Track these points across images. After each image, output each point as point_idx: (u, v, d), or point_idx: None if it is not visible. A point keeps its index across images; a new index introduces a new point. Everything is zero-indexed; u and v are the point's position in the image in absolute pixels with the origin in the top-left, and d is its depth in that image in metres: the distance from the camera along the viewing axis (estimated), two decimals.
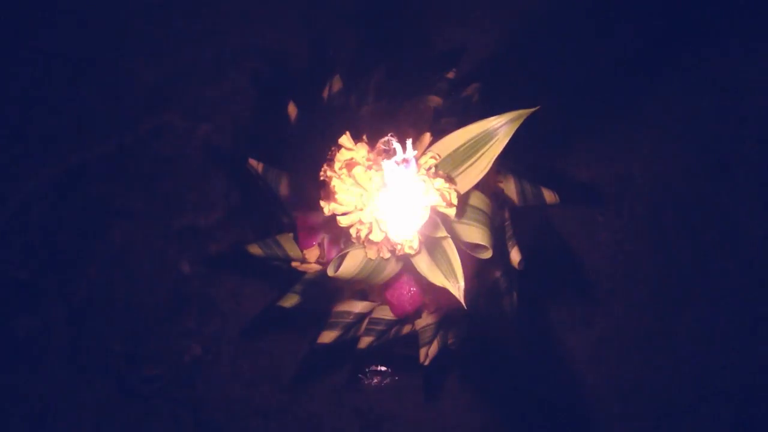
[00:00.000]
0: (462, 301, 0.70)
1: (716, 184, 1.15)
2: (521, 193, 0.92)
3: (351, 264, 0.79)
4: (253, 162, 0.91)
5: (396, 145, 0.63)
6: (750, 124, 1.16)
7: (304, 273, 0.91)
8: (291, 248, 0.92)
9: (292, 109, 0.95)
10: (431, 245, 0.77)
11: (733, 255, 1.13)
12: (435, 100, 0.93)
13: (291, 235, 0.93)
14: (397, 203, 0.70)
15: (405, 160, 0.64)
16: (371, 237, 0.77)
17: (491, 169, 0.95)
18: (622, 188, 1.16)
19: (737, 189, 1.15)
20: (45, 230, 1.15)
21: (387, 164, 0.64)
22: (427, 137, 0.81)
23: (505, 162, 0.95)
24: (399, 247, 0.77)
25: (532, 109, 0.70)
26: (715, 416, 1.10)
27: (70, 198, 1.16)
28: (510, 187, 0.93)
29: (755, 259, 1.12)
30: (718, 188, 1.15)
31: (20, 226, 1.15)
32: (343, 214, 0.78)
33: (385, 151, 0.66)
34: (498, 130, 0.72)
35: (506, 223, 0.88)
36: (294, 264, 0.92)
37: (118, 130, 1.18)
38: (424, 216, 0.74)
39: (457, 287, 0.70)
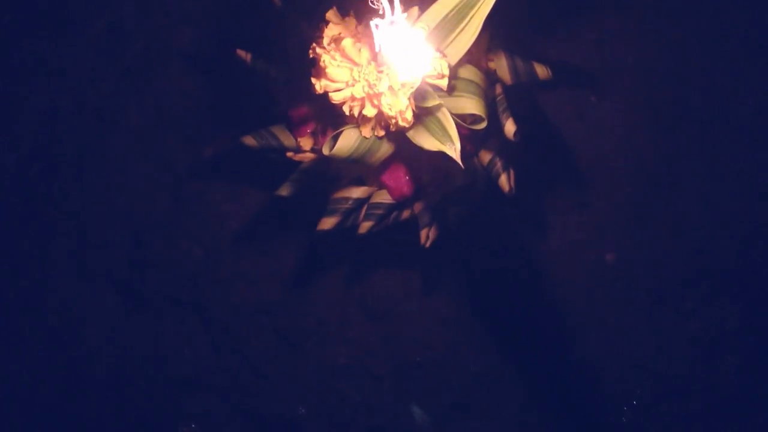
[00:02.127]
0: (459, 161, 0.70)
1: (708, 60, 1.14)
2: (513, 70, 0.91)
3: (346, 143, 0.78)
4: (241, 53, 0.89)
5: (385, 3, 0.62)
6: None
7: (299, 163, 0.91)
8: (285, 138, 0.91)
9: None
10: (425, 116, 0.77)
11: (726, 126, 1.13)
12: None
13: (284, 125, 0.92)
14: (389, 68, 0.69)
15: (393, 22, 0.63)
16: (364, 112, 0.77)
17: (482, 47, 0.95)
18: (614, 70, 1.15)
19: (730, 62, 1.14)
20: (43, 136, 1.14)
21: (376, 23, 0.63)
22: (415, 11, 0.80)
23: (496, 41, 0.94)
24: (393, 121, 0.77)
25: None
26: (716, 295, 1.12)
27: (64, 113, 1.16)
28: (502, 66, 0.92)
29: (750, 133, 1.12)
30: (709, 63, 1.14)
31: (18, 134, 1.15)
32: (335, 90, 0.77)
33: (373, 11, 0.65)
34: None
35: (499, 98, 0.88)
36: (289, 154, 0.92)
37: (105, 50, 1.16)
38: (415, 85, 0.74)
39: (453, 149, 0.71)
